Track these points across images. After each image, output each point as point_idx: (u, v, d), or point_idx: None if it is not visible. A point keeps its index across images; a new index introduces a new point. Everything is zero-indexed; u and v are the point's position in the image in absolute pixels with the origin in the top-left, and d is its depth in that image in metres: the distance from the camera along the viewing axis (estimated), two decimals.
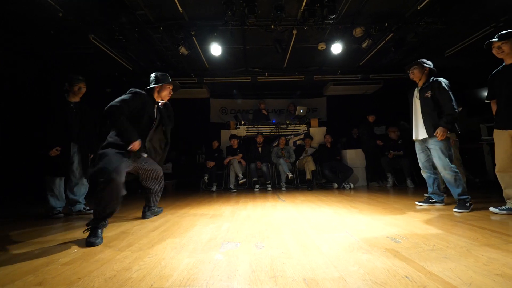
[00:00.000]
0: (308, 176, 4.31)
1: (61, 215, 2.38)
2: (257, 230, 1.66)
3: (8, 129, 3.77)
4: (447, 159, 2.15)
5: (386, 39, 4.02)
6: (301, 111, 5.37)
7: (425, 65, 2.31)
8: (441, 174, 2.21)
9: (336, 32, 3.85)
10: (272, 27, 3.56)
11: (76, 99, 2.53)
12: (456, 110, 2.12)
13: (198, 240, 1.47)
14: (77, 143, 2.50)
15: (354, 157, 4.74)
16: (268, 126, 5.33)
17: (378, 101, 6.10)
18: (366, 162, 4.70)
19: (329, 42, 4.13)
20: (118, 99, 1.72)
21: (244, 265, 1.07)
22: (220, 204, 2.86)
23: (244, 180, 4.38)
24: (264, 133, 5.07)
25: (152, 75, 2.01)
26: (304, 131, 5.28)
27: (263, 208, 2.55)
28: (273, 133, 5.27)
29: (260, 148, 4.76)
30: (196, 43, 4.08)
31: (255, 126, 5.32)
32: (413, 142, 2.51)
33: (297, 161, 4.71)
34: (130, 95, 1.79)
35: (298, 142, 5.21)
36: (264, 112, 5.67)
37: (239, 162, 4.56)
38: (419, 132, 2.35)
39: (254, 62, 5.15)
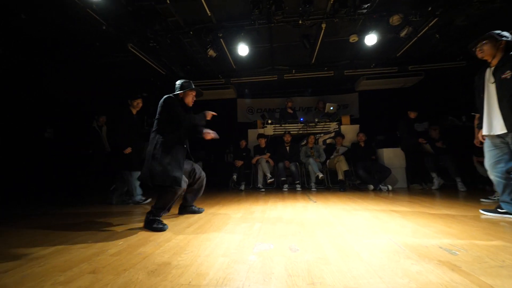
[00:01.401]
0: (340, 177, 4.09)
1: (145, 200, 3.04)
2: (289, 231, 1.62)
3: (61, 132, 4.30)
4: None
5: (429, 25, 3.61)
6: (331, 108, 5.13)
7: (502, 38, 1.75)
8: None
9: (370, 22, 3.57)
10: (300, 22, 3.46)
11: (134, 112, 3.12)
12: None
13: (231, 239, 1.48)
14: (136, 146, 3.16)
15: (391, 156, 4.37)
16: (296, 125, 5.20)
17: (418, 95, 5.54)
18: (406, 162, 4.30)
19: (361, 33, 3.86)
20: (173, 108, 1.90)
21: (280, 268, 1.03)
22: (250, 204, 2.87)
23: (273, 179, 4.33)
24: (291, 132, 4.96)
25: (178, 82, 2.11)
26: (334, 129, 5.04)
27: (293, 208, 2.48)
28: (301, 132, 5.13)
29: (288, 147, 4.67)
30: (224, 45, 4.17)
31: (282, 125, 5.24)
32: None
33: (328, 161, 4.51)
34: (174, 103, 1.93)
35: (328, 141, 4.99)
36: (290, 110, 5.54)
37: (267, 161, 4.53)
38: (494, 125, 1.84)
39: (280, 60, 5.07)
